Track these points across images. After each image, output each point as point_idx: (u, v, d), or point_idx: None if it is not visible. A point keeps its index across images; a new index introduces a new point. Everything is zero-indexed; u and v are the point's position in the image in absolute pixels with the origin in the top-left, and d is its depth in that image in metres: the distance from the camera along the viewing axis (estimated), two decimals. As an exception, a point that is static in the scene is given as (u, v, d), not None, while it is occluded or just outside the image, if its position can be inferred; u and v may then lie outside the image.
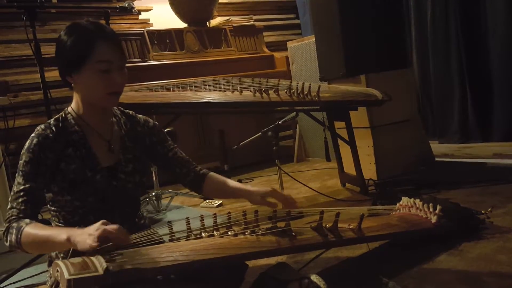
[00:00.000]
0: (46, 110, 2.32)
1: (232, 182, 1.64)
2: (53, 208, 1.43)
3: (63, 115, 1.44)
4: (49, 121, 1.42)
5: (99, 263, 1.04)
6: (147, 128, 1.57)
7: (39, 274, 2.03)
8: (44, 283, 1.89)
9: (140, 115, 1.60)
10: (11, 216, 1.28)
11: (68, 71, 1.37)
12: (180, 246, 1.24)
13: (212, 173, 1.65)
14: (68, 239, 1.14)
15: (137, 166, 1.51)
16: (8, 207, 1.31)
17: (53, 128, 1.39)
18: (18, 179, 1.33)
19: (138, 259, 1.12)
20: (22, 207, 1.29)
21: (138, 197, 1.60)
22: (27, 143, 1.36)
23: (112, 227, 1.14)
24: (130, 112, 1.59)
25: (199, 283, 1.32)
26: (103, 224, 1.15)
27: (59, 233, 1.18)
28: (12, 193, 1.33)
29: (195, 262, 1.19)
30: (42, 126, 1.39)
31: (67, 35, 1.37)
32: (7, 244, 1.26)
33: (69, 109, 1.45)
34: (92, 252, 1.10)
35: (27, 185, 1.31)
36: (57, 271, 1.04)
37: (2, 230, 1.29)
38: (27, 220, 1.25)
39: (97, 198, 1.40)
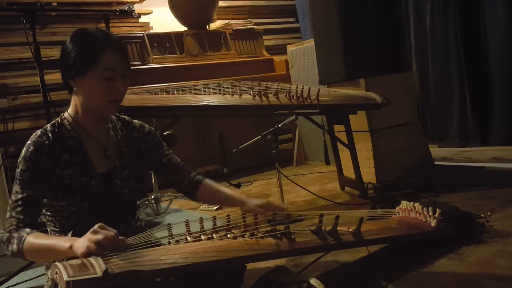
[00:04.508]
0: (46, 113, 2.32)
1: (226, 190, 1.64)
2: (48, 213, 1.43)
3: (59, 121, 1.44)
4: (45, 127, 1.42)
5: (98, 265, 1.04)
6: (142, 134, 1.58)
7: (37, 277, 2.03)
8: (42, 286, 1.88)
9: (135, 121, 1.60)
10: (11, 225, 1.29)
11: (72, 74, 1.38)
12: (179, 249, 1.24)
13: (206, 180, 1.66)
14: (71, 247, 1.15)
15: (133, 171, 1.51)
16: (7, 216, 1.33)
17: (50, 134, 1.39)
18: (16, 187, 1.34)
19: (137, 261, 1.11)
20: (21, 217, 1.30)
21: (134, 202, 1.59)
22: (23, 151, 1.36)
23: (106, 234, 1.15)
24: (126, 117, 1.59)
25: (197, 286, 1.32)
26: (100, 227, 1.15)
27: (62, 242, 1.19)
28: (10, 201, 1.34)
29: (194, 264, 1.19)
30: (38, 132, 1.39)
31: (75, 40, 1.38)
32: (9, 253, 1.28)
33: (66, 114, 1.46)
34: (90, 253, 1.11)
35: (24, 194, 1.32)
36: (56, 272, 1.04)
37: (2, 233, 1.30)
38: (28, 230, 1.27)
39: (93, 203, 1.40)
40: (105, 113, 1.45)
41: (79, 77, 1.37)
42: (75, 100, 1.43)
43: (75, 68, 1.36)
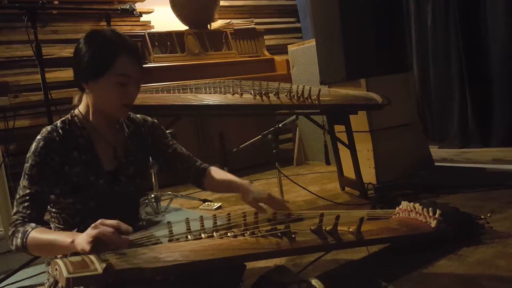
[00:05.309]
0: (47, 111, 2.32)
1: (231, 177, 1.62)
2: (53, 209, 1.43)
3: (70, 118, 1.43)
4: (55, 123, 1.41)
5: (98, 262, 1.04)
6: (146, 127, 1.58)
7: (37, 275, 2.03)
8: (42, 284, 1.88)
9: (138, 115, 1.60)
10: (17, 220, 1.29)
11: (85, 78, 1.37)
12: (180, 247, 1.24)
13: (212, 167, 1.65)
14: (72, 242, 1.15)
15: (138, 168, 1.51)
16: (14, 210, 1.32)
17: (60, 131, 1.38)
18: (24, 182, 1.33)
19: (137, 259, 1.11)
20: (28, 212, 1.29)
21: (138, 200, 1.60)
22: (33, 146, 1.35)
23: (109, 226, 1.14)
24: (130, 114, 1.59)
25: (197, 285, 1.32)
26: (101, 223, 1.15)
27: (64, 237, 1.19)
28: (17, 195, 1.34)
29: (194, 262, 1.19)
30: (49, 128, 1.39)
31: (89, 45, 1.36)
32: (13, 247, 1.28)
33: (76, 111, 1.45)
34: (91, 251, 1.10)
35: (32, 189, 1.31)
36: (56, 269, 1.04)
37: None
38: (33, 225, 1.26)
39: (99, 202, 1.40)
40: (116, 116, 1.45)
41: (92, 81, 1.36)
42: (87, 100, 1.43)
43: (88, 72, 1.35)
